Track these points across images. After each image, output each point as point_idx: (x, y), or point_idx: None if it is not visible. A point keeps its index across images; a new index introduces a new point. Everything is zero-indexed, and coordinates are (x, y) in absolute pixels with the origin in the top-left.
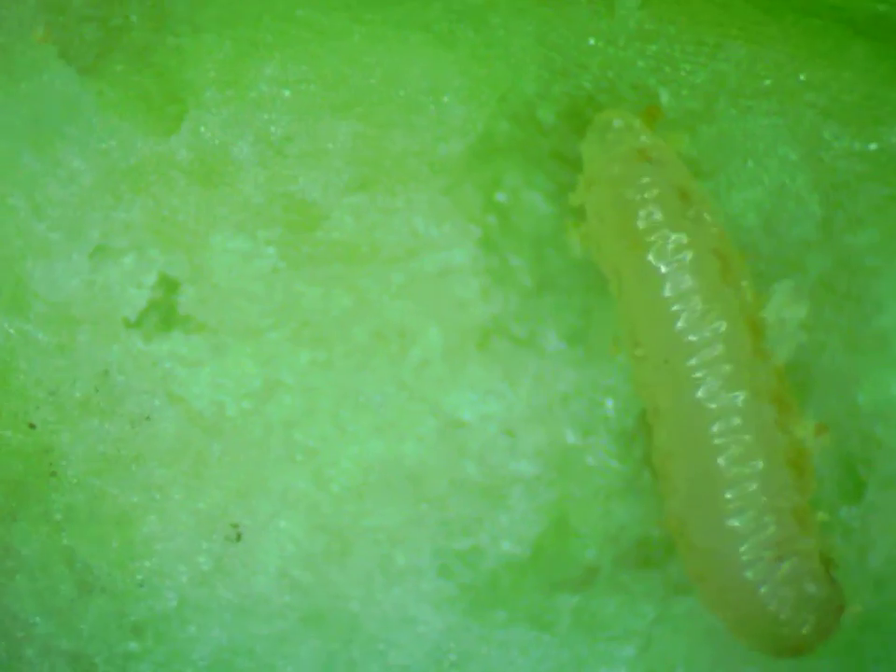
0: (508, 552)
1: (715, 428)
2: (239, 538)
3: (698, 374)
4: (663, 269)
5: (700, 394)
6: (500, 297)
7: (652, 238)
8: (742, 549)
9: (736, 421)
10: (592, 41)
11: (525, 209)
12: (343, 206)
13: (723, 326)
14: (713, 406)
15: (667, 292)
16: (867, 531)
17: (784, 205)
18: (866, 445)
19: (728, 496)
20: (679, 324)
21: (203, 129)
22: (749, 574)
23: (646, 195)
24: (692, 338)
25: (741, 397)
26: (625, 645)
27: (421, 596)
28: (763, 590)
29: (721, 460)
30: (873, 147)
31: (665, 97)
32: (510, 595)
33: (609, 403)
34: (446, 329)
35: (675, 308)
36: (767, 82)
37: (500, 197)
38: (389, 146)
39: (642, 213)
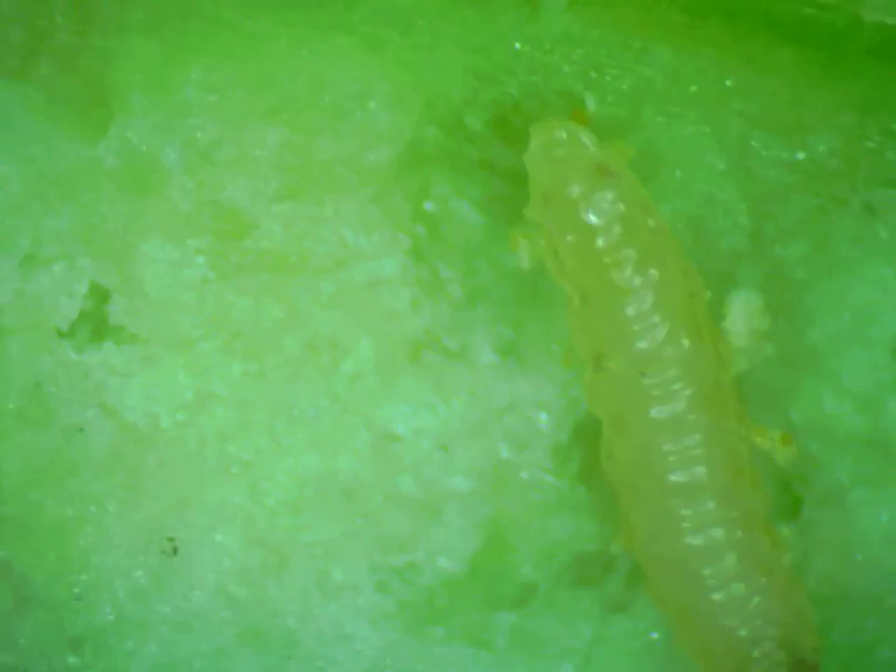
0: (444, 568)
1: (677, 443)
2: (175, 551)
3: (663, 390)
4: (631, 285)
5: (664, 408)
6: (431, 308)
7: (621, 255)
8: (706, 572)
9: (698, 436)
10: (518, 45)
11: (455, 218)
12: (272, 215)
13: (687, 343)
14: (675, 419)
15: (634, 309)
16: (804, 549)
17: (713, 216)
18: (801, 462)
19: (685, 512)
20: (646, 340)
21: (129, 134)
22: (717, 599)
23: (612, 213)
24: (659, 353)
25: (706, 411)
26: (563, 664)
27: (358, 613)
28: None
29: (679, 475)
30: (800, 156)
31: (591, 104)
32: (447, 612)
33: (543, 417)
34: (378, 340)
35: (642, 325)
36: (693, 88)
37: (429, 206)
38: (316, 153)
39: (610, 231)
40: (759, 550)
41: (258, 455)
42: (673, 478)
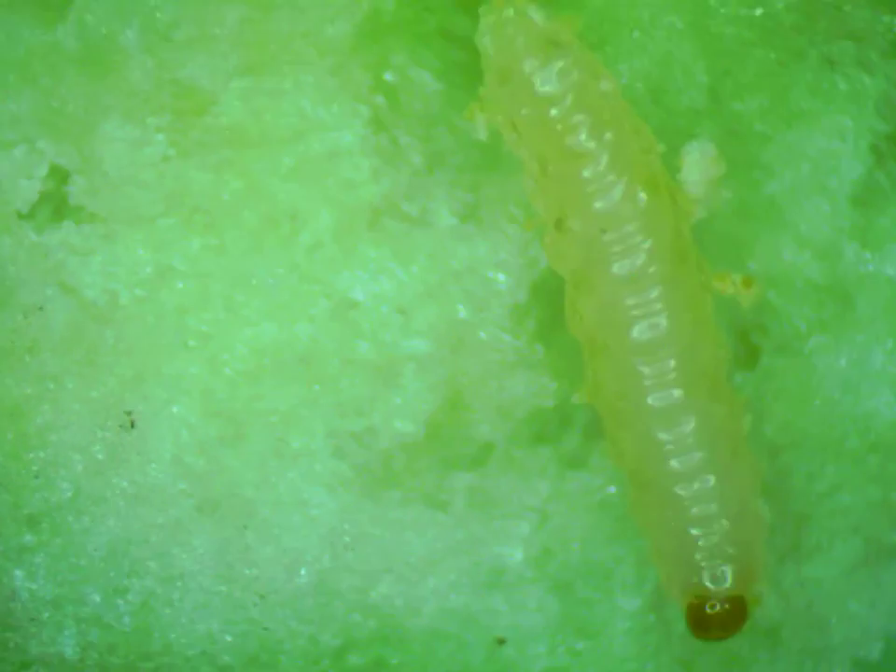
0: (401, 431)
1: (638, 298)
2: (133, 425)
3: (623, 245)
4: (586, 149)
5: (625, 263)
6: (390, 176)
7: (575, 121)
8: (664, 436)
9: (656, 291)
10: None
11: (414, 88)
12: (231, 91)
13: (645, 197)
14: (637, 273)
15: (590, 171)
16: (762, 397)
17: (672, 75)
18: (759, 312)
19: (646, 370)
20: (604, 199)
21: (88, 17)
22: (673, 465)
23: (563, 82)
24: (618, 210)
25: (666, 262)
26: (521, 522)
27: (315, 479)
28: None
29: (639, 332)
30: (759, 12)
31: None
32: (404, 475)
33: (502, 278)
34: (337, 209)
35: (599, 185)
36: None
37: (388, 76)
38: (275, 28)
39: (562, 100)
40: (717, 417)
41: (216, 327)
42: (635, 334)
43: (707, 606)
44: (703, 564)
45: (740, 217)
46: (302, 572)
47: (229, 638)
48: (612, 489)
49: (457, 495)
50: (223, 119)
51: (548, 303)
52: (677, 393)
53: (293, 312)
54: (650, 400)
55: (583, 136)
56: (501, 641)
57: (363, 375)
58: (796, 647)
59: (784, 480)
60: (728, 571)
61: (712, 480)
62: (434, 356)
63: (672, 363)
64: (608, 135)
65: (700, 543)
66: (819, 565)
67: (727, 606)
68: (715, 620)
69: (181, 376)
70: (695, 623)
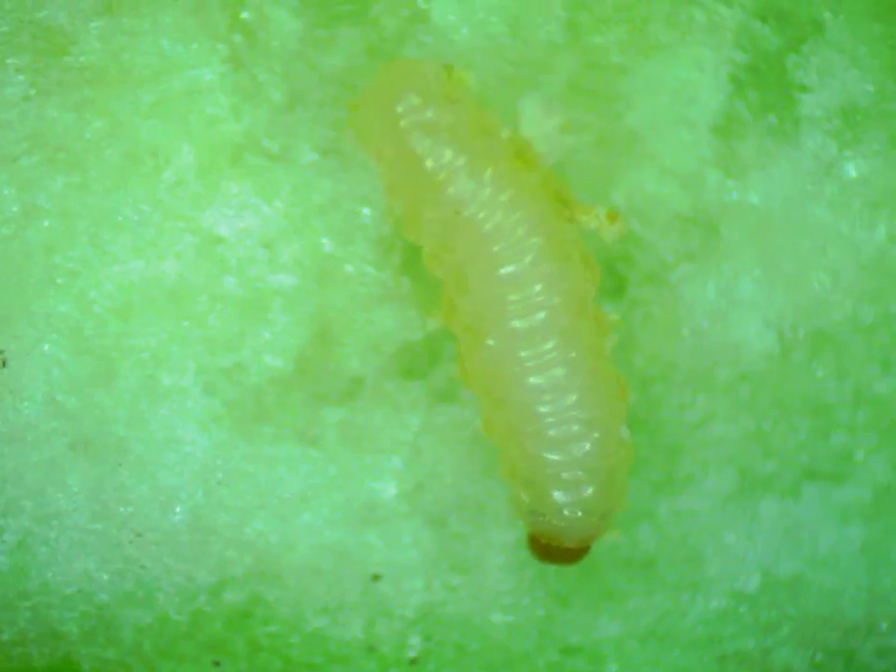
0: (271, 366)
1: (507, 239)
2: (4, 364)
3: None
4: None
5: (488, 214)
6: (250, 113)
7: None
8: (525, 353)
9: (525, 226)
10: None
11: (271, 26)
12: (90, 31)
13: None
14: (503, 222)
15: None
16: (630, 328)
17: (528, 10)
18: (624, 242)
19: (513, 297)
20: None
21: None
22: (533, 381)
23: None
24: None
25: (531, 203)
26: (393, 457)
27: (187, 416)
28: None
29: (508, 268)
30: None
31: None
32: (275, 411)
33: (366, 212)
34: (199, 146)
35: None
36: None
37: (245, 15)
38: None
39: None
40: (581, 334)
41: (84, 265)
42: (503, 271)
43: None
44: (557, 499)
45: (602, 150)
46: (177, 509)
47: (105, 577)
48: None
49: (329, 430)
50: (83, 58)
51: None
52: (540, 315)
53: (160, 248)
54: (514, 324)
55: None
56: (377, 577)
57: (231, 311)
58: (672, 580)
59: (655, 411)
60: (579, 513)
61: (573, 398)
62: (301, 290)
63: (538, 287)
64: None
65: (553, 471)
66: (692, 497)
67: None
68: (556, 555)
69: (50, 314)
70: (537, 552)
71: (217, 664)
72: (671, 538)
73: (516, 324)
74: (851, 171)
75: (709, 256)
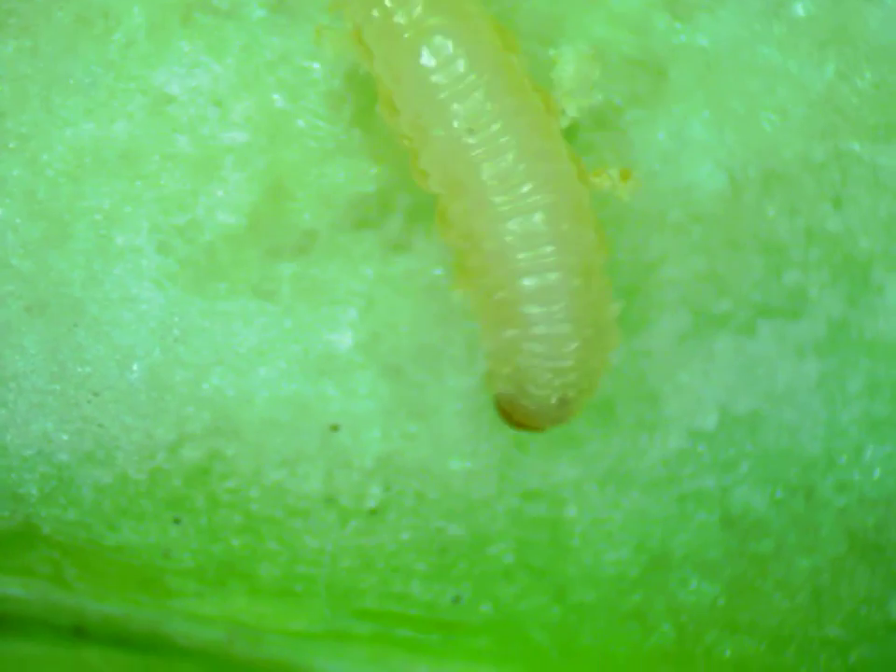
0: (224, 223)
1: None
2: None
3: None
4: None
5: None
6: None
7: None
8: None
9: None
10: None
11: None
12: None
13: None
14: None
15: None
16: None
17: None
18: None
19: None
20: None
21: None
22: (510, 227)
23: None
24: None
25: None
26: (348, 308)
27: (142, 275)
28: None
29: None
30: None
31: None
32: (229, 267)
33: (316, 66)
34: (148, 6)
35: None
36: None
37: None
38: None
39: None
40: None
41: (35, 128)
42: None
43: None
44: (533, 387)
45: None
46: (134, 367)
47: (64, 437)
48: (438, 271)
49: (284, 284)
50: None
51: (363, 89)
52: (511, 156)
53: (111, 110)
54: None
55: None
56: (335, 428)
57: (183, 169)
58: (630, 421)
59: (608, 254)
60: (553, 399)
61: (551, 248)
62: (253, 146)
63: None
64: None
65: (529, 346)
66: (648, 337)
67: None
68: (523, 425)
69: (3, 178)
70: (506, 419)
71: (177, 521)
72: (628, 379)
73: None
74: (799, 10)
75: (659, 99)
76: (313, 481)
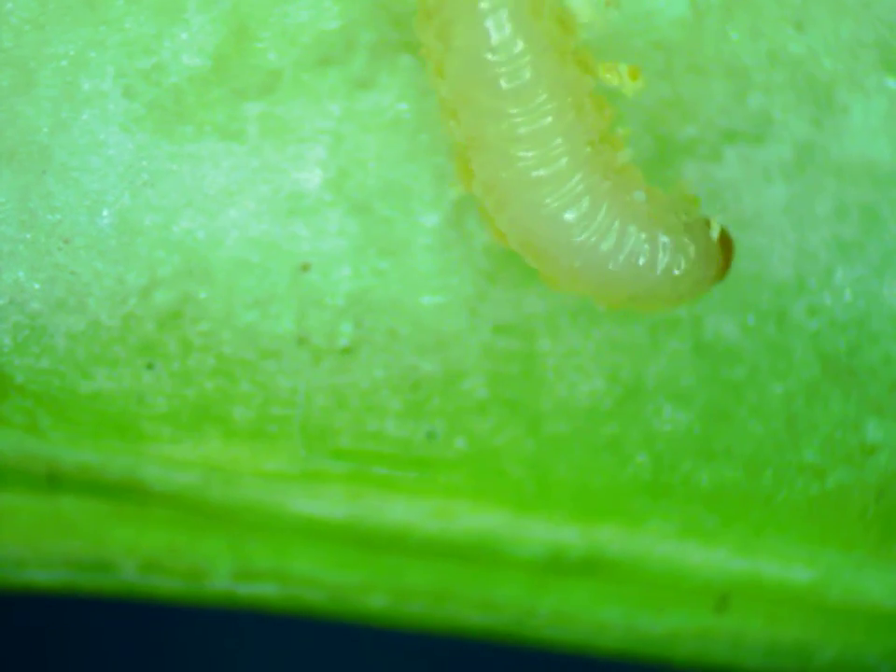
0: (189, 65)
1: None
2: None
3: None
4: None
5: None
6: None
7: None
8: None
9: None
10: None
11: None
12: None
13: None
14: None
15: None
16: None
17: None
18: None
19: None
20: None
21: None
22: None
23: None
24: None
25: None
26: (315, 146)
27: (109, 119)
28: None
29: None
30: None
31: None
32: (195, 109)
33: None
34: None
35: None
36: None
37: None
38: None
39: None
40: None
41: None
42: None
43: None
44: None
45: None
46: (104, 213)
47: (36, 285)
48: (403, 106)
49: (250, 123)
50: None
51: None
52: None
53: None
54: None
55: None
56: (305, 267)
57: (147, 13)
58: None
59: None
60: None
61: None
62: None
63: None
64: None
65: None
66: None
67: None
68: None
69: None
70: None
71: (150, 366)
72: None
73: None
74: None
75: None
76: (284, 321)
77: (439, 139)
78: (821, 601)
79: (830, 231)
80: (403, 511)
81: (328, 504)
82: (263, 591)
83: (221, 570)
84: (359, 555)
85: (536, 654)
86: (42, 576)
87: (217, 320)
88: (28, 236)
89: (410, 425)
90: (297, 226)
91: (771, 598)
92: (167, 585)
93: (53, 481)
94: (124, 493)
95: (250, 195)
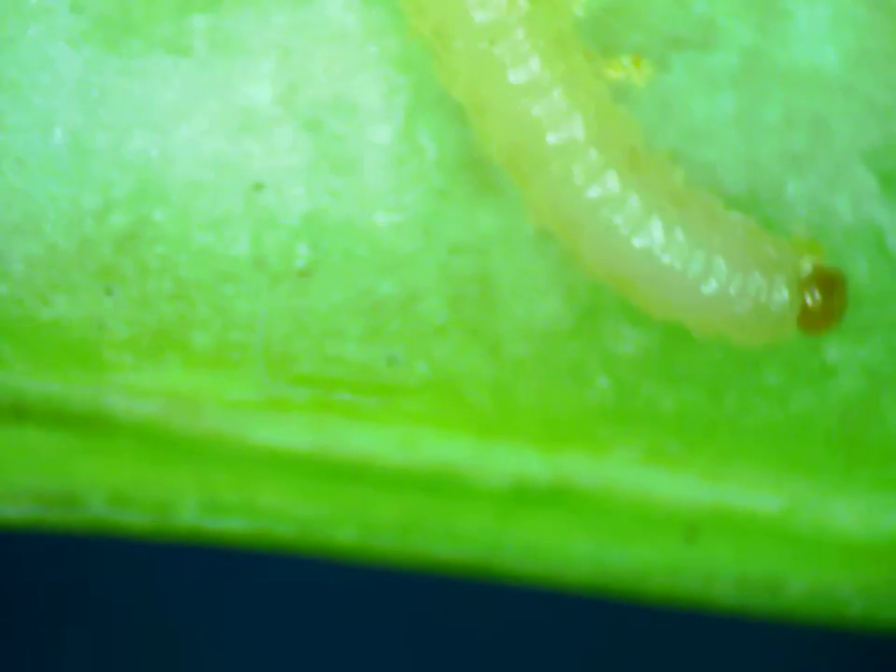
0: None
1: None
2: None
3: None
4: None
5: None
6: None
7: None
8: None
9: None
10: None
11: None
12: None
13: None
14: None
15: None
16: None
17: None
18: None
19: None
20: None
21: None
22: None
23: None
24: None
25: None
26: (264, 59)
27: (56, 35)
28: None
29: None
30: None
31: None
32: (142, 23)
33: None
34: None
35: None
36: None
37: None
38: None
39: None
40: None
41: None
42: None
43: None
44: None
45: None
46: (57, 132)
47: None
48: (349, 17)
49: (197, 37)
50: None
51: None
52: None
53: None
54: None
55: None
56: (259, 186)
57: None
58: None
59: None
60: None
61: None
62: None
63: None
64: None
65: None
66: None
67: None
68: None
69: None
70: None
71: (109, 291)
72: None
73: None
74: None
75: None
76: (240, 243)
77: (386, 50)
78: (790, 531)
79: (780, 142)
80: (367, 440)
81: (292, 434)
82: (231, 525)
83: (188, 503)
84: (326, 488)
85: (508, 591)
86: (11, 510)
87: (173, 242)
88: None
89: (370, 349)
90: (249, 143)
91: (740, 529)
92: (135, 520)
93: (18, 412)
94: (89, 424)
95: (201, 112)
